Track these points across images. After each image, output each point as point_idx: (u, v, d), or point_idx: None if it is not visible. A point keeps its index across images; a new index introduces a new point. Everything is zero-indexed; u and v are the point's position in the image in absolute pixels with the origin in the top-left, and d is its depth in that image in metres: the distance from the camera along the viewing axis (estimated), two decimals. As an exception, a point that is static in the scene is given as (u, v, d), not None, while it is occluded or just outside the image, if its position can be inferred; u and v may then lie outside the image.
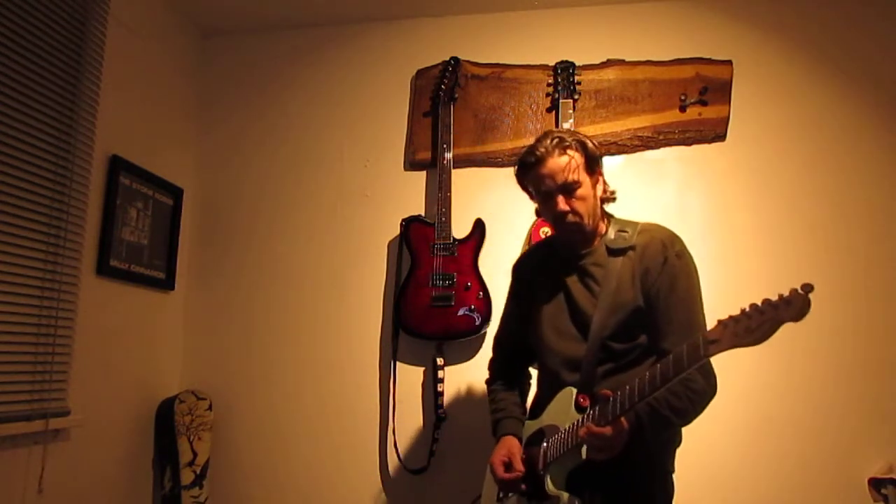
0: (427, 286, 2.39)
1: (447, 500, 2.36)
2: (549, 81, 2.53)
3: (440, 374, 2.38)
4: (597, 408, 1.35)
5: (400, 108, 2.67)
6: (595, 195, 1.57)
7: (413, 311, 2.40)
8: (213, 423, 2.52)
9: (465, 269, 2.39)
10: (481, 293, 2.36)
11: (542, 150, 1.54)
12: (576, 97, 2.46)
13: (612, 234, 1.58)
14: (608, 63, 2.53)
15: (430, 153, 2.58)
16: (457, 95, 2.57)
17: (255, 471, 2.53)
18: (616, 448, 1.32)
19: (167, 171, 2.55)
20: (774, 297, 1.05)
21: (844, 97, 2.38)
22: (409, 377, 2.48)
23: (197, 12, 2.70)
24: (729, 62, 2.45)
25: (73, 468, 2.02)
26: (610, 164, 2.41)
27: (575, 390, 1.49)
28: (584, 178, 1.54)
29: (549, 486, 1.45)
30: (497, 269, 2.41)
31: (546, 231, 2.35)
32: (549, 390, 1.58)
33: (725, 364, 1.38)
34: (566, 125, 2.39)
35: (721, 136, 2.42)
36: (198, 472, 2.41)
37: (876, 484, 2.11)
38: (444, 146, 2.47)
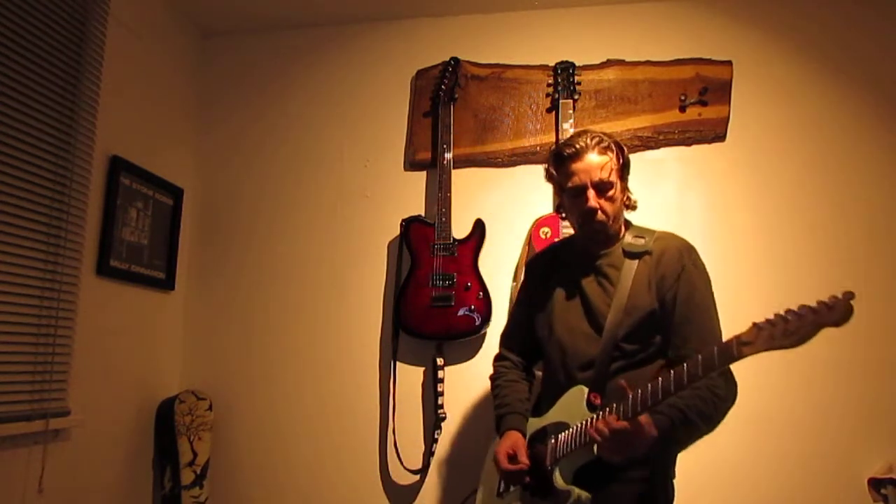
0: (427, 286, 2.39)
1: (447, 500, 2.36)
2: (549, 81, 2.53)
3: (440, 374, 2.38)
4: (613, 404, 1.35)
5: (400, 108, 2.67)
6: (622, 200, 1.60)
7: (413, 311, 2.40)
8: (213, 423, 2.52)
9: (465, 270, 2.39)
10: (481, 293, 2.36)
11: (582, 144, 1.56)
12: (576, 97, 2.46)
13: (629, 238, 1.60)
14: (608, 63, 2.53)
15: (430, 153, 2.58)
16: (457, 95, 2.57)
17: (255, 471, 2.53)
18: (635, 448, 1.32)
19: (167, 171, 2.55)
20: (813, 303, 1.07)
21: (844, 97, 2.38)
22: (409, 377, 2.48)
23: (197, 12, 2.70)
24: (729, 62, 2.45)
25: (73, 468, 2.02)
26: (610, 164, 2.41)
27: (587, 389, 1.50)
28: (617, 181, 1.57)
29: (559, 480, 1.45)
30: (497, 270, 2.41)
31: (546, 231, 2.35)
32: (556, 388, 1.59)
33: (725, 364, 1.38)
34: (566, 125, 2.39)
35: (721, 137, 2.42)
36: (198, 472, 2.41)
37: (876, 484, 2.11)
38: (444, 146, 2.48)
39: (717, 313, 1.51)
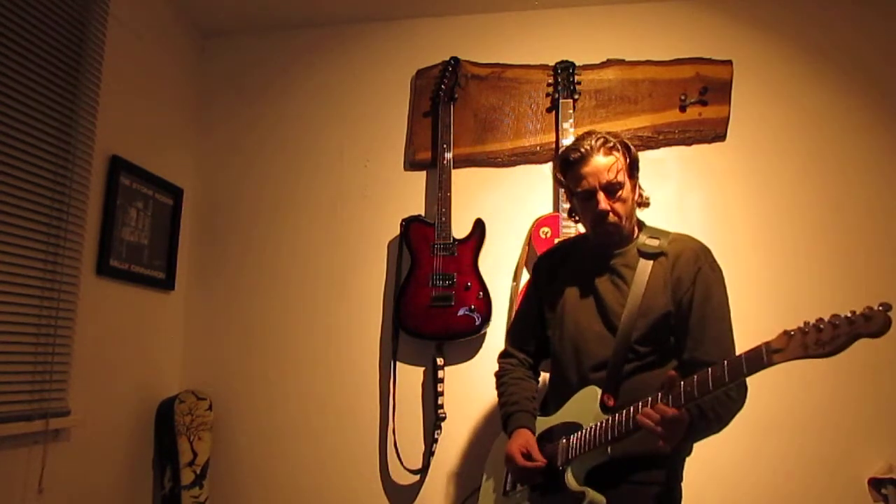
0: (427, 286, 2.39)
1: (447, 500, 2.36)
2: (549, 81, 2.54)
3: (440, 374, 2.38)
4: (660, 392, 1.33)
5: (400, 108, 2.67)
6: (633, 199, 1.59)
7: (413, 311, 2.40)
8: (213, 423, 2.52)
9: (465, 269, 2.39)
10: (481, 293, 2.36)
11: (588, 147, 1.54)
12: (576, 97, 2.46)
13: (644, 238, 1.58)
14: (608, 63, 2.53)
15: (430, 153, 2.58)
16: (457, 95, 2.57)
17: (255, 471, 2.53)
18: (678, 436, 1.31)
19: (167, 171, 2.55)
20: (831, 306, 1.08)
21: (844, 97, 2.38)
22: (409, 377, 2.48)
23: (197, 12, 2.70)
24: (729, 62, 2.45)
25: (73, 468, 2.02)
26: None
27: (600, 390, 1.49)
28: (626, 181, 1.55)
29: (571, 481, 1.44)
30: (497, 270, 2.41)
31: (546, 231, 2.35)
32: (566, 387, 1.57)
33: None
34: (566, 125, 2.39)
35: (721, 136, 2.42)
36: (198, 472, 2.41)
37: (876, 484, 2.11)
38: (444, 146, 2.48)
39: (730, 317, 1.50)
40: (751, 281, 2.29)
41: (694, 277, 1.49)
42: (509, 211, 2.48)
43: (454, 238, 2.42)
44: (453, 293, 2.37)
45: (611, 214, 1.54)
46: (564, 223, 2.30)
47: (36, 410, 1.85)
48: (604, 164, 1.53)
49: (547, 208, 2.44)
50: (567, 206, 1.75)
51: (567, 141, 2.34)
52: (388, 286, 2.55)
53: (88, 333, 2.08)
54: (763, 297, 2.26)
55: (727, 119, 2.42)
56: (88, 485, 2.11)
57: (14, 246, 1.82)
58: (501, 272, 2.44)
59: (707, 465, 2.19)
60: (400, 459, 2.40)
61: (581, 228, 1.79)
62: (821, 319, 1.09)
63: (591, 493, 1.41)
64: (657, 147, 2.46)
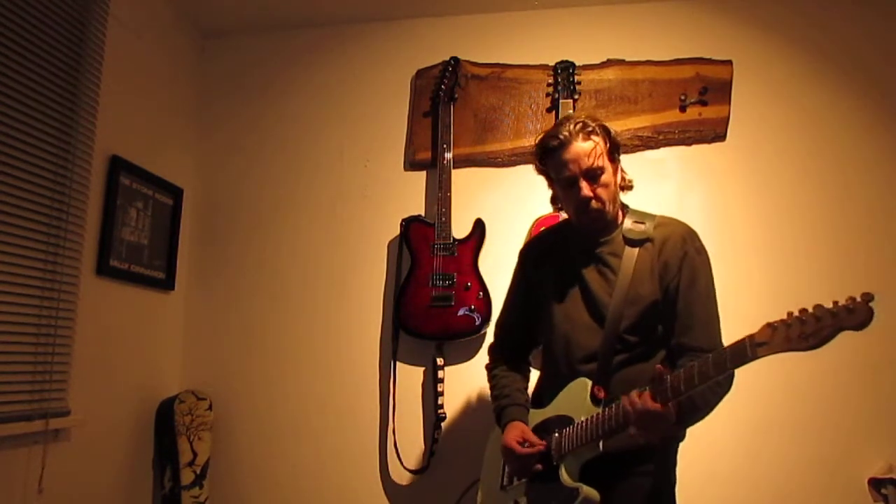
0: (427, 286, 2.39)
1: (447, 500, 2.36)
2: (549, 81, 2.54)
3: (440, 374, 2.38)
4: (648, 388, 1.32)
5: (400, 108, 2.67)
6: (616, 182, 1.56)
7: (413, 311, 2.40)
8: (213, 423, 2.52)
9: (465, 269, 2.39)
10: (481, 293, 2.36)
11: (566, 133, 1.51)
12: (576, 97, 2.46)
13: (628, 223, 1.56)
14: (608, 63, 2.53)
15: (430, 153, 2.58)
16: (457, 95, 2.57)
17: (255, 471, 2.53)
18: (663, 431, 1.30)
19: (167, 171, 2.55)
20: (829, 304, 1.05)
21: (844, 97, 2.38)
22: (409, 377, 2.48)
23: (197, 12, 2.70)
24: (729, 62, 2.45)
25: (73, 468, 2.02)
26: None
27: (590, 382, 1.48)
28: (608, 165, 1.53)
29: (566, 476, 1.44)
30: (497, 269, 2.41)
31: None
32: (558, 379, 1.57)
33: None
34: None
35: (721, 136, 2.42)
36: (198, 472, 2.41)
37: (876, 484, 2.11)
38: (444, 146, 2.47)
39: (716, 300, 1.49)
40: (751, 281, 2.29)
41: (680, 263, 1.48)
42: (509, 211, 2.48)
43: (454, 238, 2.42)
44: (453, 293, 2.37)
45: (594, 201, 1.51)
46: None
47: (36, 410, 1.85)
48: (584, 149, 1.50)
49: (547, 208, 2.42)
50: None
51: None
52: (388, 286, 2.55)
53: (88, 333, 2.08)
54: (763, 297, 2.26)
55: (727, 119, 2.42)
56: (88, 485, 2.11)
57: (14, 246, 1.82)
58: (501, 272, 2.43)
59: (707, 466, 2.19)
60: (400, 459, 2.40)
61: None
62: (804, 311, 1.07)
63: (586, 490, 1.40)
64: (657, 147, 2.46)
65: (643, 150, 2.45)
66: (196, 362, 2.65)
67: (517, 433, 1.55)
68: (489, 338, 2.39)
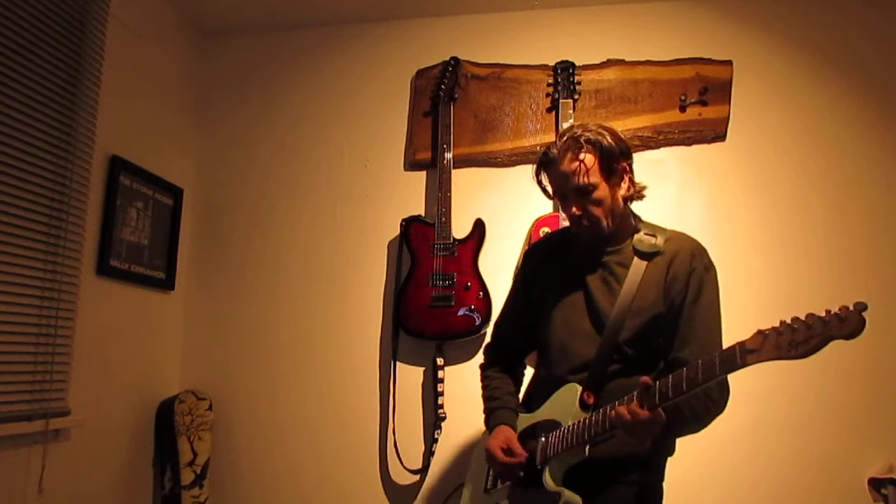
0: (427, 286, 2.39)
1: (447, 500, 2.36)
2: (549, 81, 2.54)
3: (440, 374, 2.38)
4: (635, 394, 1.31)
5: (400, 108, 2.67)
6: (615, 196, 1.53)
7: (413, 311, 2.40)
8: (213, 423, 2.52)
9: (465, 269, 2.39)
10: (481, 293, 2.36)
11: (555, 151, 1.51)
12: (576, 97, 2.46)
13: (640, 235, 1.54)
14: (608, 63, 2.53)
15: (430, 153, 2.58)
16: (457, 95, 2.57)
17: (255, 471, 2.53)
18: (651, 436, 1.29)
19: (167, 171, 2.55)
20: (821, 313, 1.04)
21: (844, 97, 2.38)
22: (409, 377, 2.48)
23: (197, 12, 2.70)
24: (729, 62, 2.45)
25: (73, 468, 2.02)
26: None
27: (580, 387, 1.47)
28: (600, 181, 1.49)
29: (549, 481, 1.43)
30: (497, 269, 2.41)
31: (546, 231, 2.35)
32: (550, 385, 1.55)
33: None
34: (566, 125, 2.39)
35: (721, 136, 2.42)
36: (198, 472, 2.41)
37: (876, 484, 2.11)
38: (444, 146, 2.48)
39: (720, 318, 1.47)
40: (751, 281, 2.29)
41: (688, 278, 1.46)
42: (509, 211, 2.48)
43: (454, 238, 2.42)
44: (453, 293, 2.37)
45: (583, 219, 1.51)
46: (564, 223, 2.29)
47: (36, 410, 1.85)
48: (571, 168, 1.49)
49: (547, 208, 2.44)
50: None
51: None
52: (388, 286, 2.55)
53: (88, 333, 2.08)
54: (763, 298, 2.26)
55: (727, 119, 2.42)
56: (88, 485, 2.11)
57: (14, 246, 1.82)
58: (501, 272, 2.44)
59: (707, 466, 2.19)
60: (400, 459, 2.40)
61: None
62: (796, 319, 1.06)
63: (567, 494, 1.39)
64: (657, 147, 2.46)
65: (643, 150, 2.45)
66: (196, 362, 2.65)
67: (502, 439, 1.55)
68: (489, 338, 2.40)
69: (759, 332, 1.12)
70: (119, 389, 2.29)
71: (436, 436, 2.37)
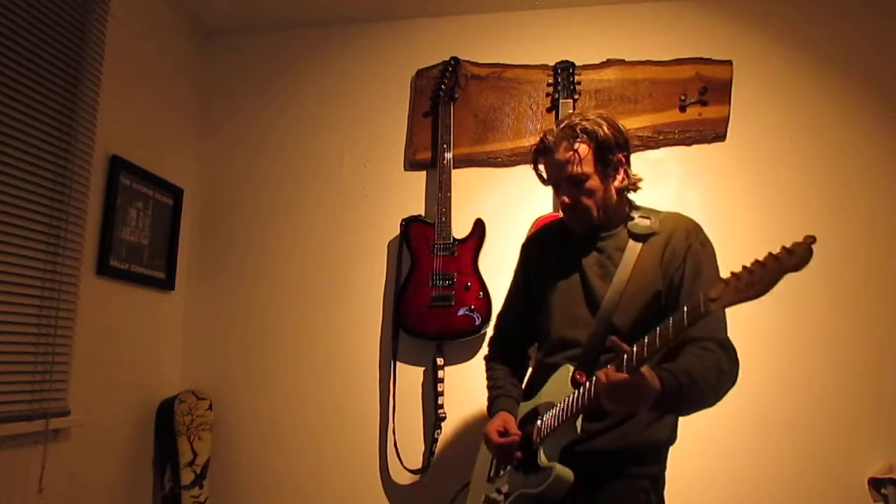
0: (427, 286, 2.39)
1: (447, 500, 2.36)
2: (549, 81, 2.54)
3: (440, 374, 2.38)
4: (616, 358, 1.30)
5: (400, 108, 2.67)
6: (607, 187, 1.53)
7: (413, 311, 2.40)
8: (213, 423, 2.52)
9: (465, 269, 2.39)
10: (481, 293, 2.36)
11: (551, 139, 1.53)
12: (576, 97, 2.46)
13: (634, 219, 1.56)
14: (608, 63, 2.53)
15: (430, 153, 2.58)
16: (457, 95, 2.57)
17: (255, 471, 2.53)
18: (637, 400, 1.28)
19: (167, 171, 2.55)
20: (776, 251, 1.06)
21: (844, 97, 2.38)
22: (409, 377, 2.48)
23: (197, 12, 2.70)
24: (729, 62, 2.45)
25: (73, 468, 2.02)
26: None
27: (572, 367, 1.48)
28: (593, 171, 1.50)
29: (542, 458, 1.44)
30: (497, 269, 2.41)
31: (546, 231, 2.35)
32: (547, 371, 1.57)
33: (725, 364, 1.38)
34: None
35: (721, 136, 2.42)
36: (198, 471, 2.41)
37: (876, 484, 2.11)
38: (444, 146, 2.48)
39: None
40: (751, 281, 2.29)
41: (685, 255, 1.47)
42: (509, 211, 2.48)
43: (454, 238, 2.42)
44: (453, 293, 2.37)
45: (572, 208, 1.53)
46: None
47: (36, 410, 1.85)
48: (565, 157, 1.50)
49: (547, 208, 2.44)
50: None
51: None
52: (388, 286, 2.55)
53: (88, 333, 2.08)
54: (762, 297, 2.26)
55: (727, 119, 2.42)
56: (88, 485, 2.11)
57: (14, 246, 1.82)
58: (501, 272, 2.43)
59: (708, 466, 2.19)
60: (400, 459, 2.40)
61: None
62: (755, 261, 1.08)
63: (559, 468, 1.40)
64: (657, 147, 2.46)
65: (643, 150, 2.45)
66: (196, 362, 2.65)
67: (499, 422, 1.57)
68: (493, 331, 2.40)
69: (722, 279, 1.14)
70: (119, 389, 2.29)
71: (436, 436, 2.37)
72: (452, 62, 2.58)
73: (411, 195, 2.59)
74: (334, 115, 2.72)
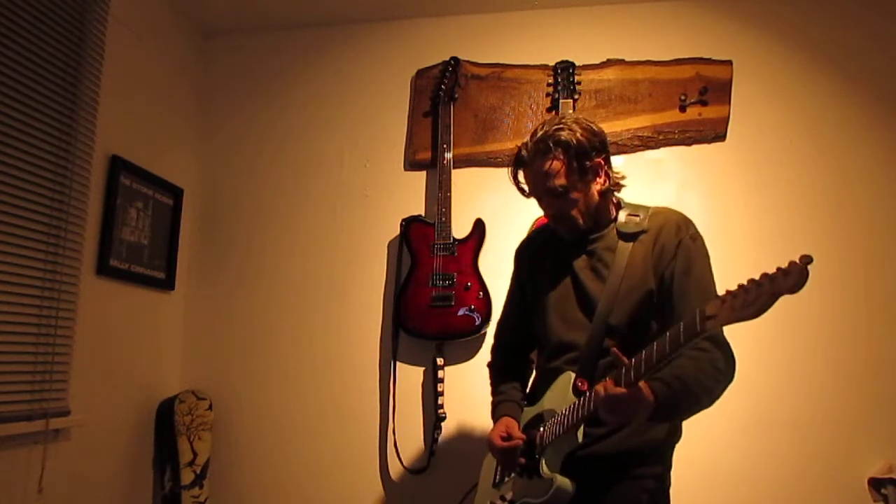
0: (427, 286, 2.39)
1: (447, 500, 2.36)
2: (549, 81, 2.54)
3: (440, 374, 2.38)
4: (613, 371, 1.31)
5: (400, 108, 2.67)
6: (589, 192, 1.53)
7: (413, 311, 2.40)
8: (213, 423, 2.52)
9: (465, 269, 2.39)
10: (481, 293, 2.36)
11: (525, 153, 1.55)
12: (576, 97, 2.46)
13: (622, 218, 1.55)
14: (608, 63, 2.53)
15: (430, 153, 2.58)
16: (457, 95, 2.57)
17: (255, 471, 2.53)
18: (633, 413, 1.29)
19: (167, 171, 2.55)
20: (772, 271, 1.05)
21: (844, 97, 2.38)
22: (409, 377, 2.48)
23: (197, 12, 2.70)
24: (729, 62, 2.45)
25: (73, 468, 2.02)
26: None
27: (573, 374, 1.48)
28: (571, 182, 1.50)
29: (544, 468, 1.45)
30: (497, 269, 2.41)
31: (546, 231, 2.35)
32: (550, 375, 1.57)
33: (725, 364, 1.38)
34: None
35: (721, 136, 2.42)
36: (198, 471, 2.41)
37: (876, 484, 2.11)
38: (444, 146, 2.48)
39: (715, 289, 1.45)
40: (751, 281, 2.29)
41: (675, 250, 1.46)
42: (509, 211, 2.48)
43: (454, 238, 2.42)
44: (453, 293, 2.37)
45: (556, 218, 1.55)
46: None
47: (36, 410, 1.85)
48: (541, 171, 1.50)
49: (547, 208, 2.44)
50: None
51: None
52: (388, 286, 2.55)
53: (88, 333, 2.08)
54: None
55: (727, 119, 2.42)
56: (88, 485, 2.11)
57: (14, 246, 1.82)
58: (501, 272, 2.43)
59: (708, 465, 2.19)
60: (400, 459, 2.40)
61: None
62: (751, 280, 1.08)
63: (560, 479, 1.41)
64: (657, 147, 2.46)
65: (643, 150, 2.45)
66: (196, 362, 2.65)
67: (502, 428, 1.57)
68: (489, 338, 2.40)
69: (718, 297, 1.14)
70: (119, 389, 2.29)
71: (436, 436, 2.37)
72: (452, 62, 2.58)
73: (411, 195, 2.59)
74: (334, 115, 2.72)
